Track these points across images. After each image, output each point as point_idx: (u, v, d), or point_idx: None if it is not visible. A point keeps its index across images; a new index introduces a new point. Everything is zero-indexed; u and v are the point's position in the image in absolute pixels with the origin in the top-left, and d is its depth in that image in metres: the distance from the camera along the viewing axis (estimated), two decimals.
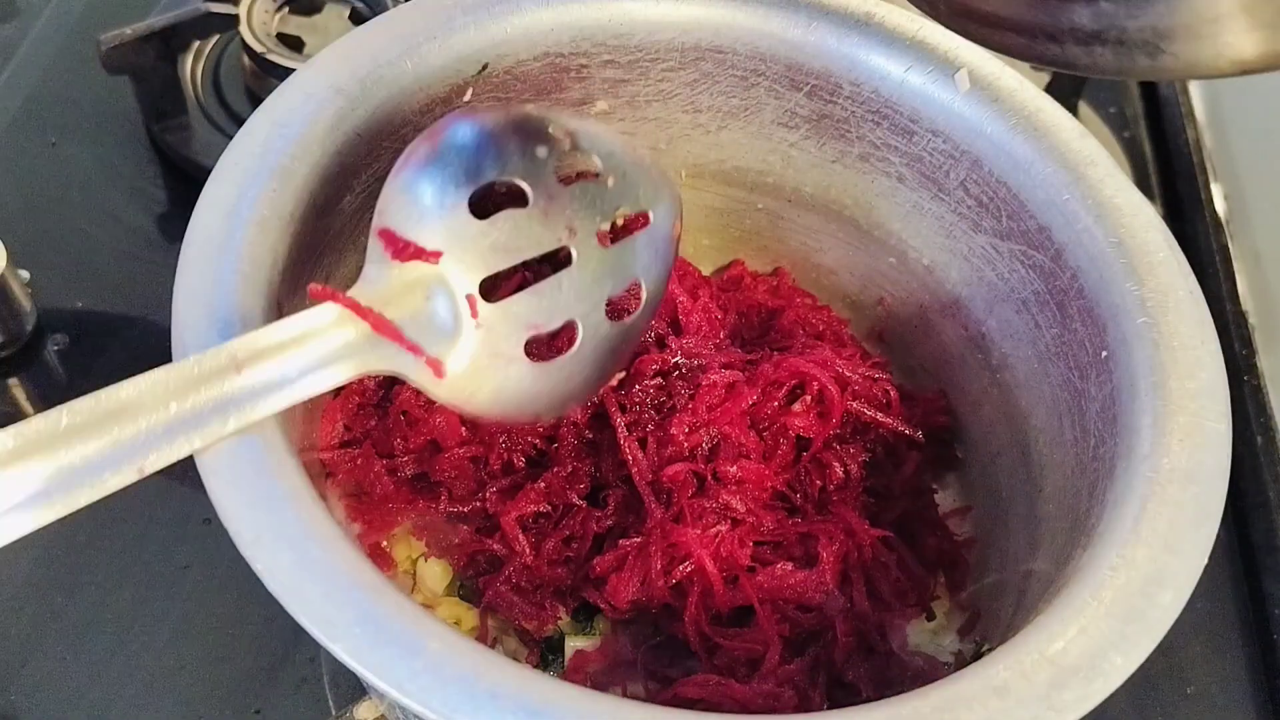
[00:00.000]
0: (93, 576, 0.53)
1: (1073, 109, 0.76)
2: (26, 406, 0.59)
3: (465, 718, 0.31)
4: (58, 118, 0.71)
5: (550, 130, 0.42)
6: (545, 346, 0.44)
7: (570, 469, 0.47)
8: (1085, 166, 0.47)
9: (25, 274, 0.61)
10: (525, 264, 0.43)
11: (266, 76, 0.69)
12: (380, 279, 0.39)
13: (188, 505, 0.55)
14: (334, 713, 0.50)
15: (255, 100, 0.71)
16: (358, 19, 0.73)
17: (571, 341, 0.44)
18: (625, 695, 0.45)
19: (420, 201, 0.40)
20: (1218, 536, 0.37)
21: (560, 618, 0.47)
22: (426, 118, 0.48)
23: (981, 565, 0.52)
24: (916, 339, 0.57)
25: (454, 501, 0.48)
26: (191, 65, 0.73)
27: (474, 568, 0.48)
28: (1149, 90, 0.83)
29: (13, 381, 0.60)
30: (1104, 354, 0.44)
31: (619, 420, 0.47)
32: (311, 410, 0.46)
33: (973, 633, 0.50)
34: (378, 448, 0.48)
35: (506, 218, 0.42)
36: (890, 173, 0.53)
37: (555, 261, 0.44)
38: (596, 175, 0.43)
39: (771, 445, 0.48)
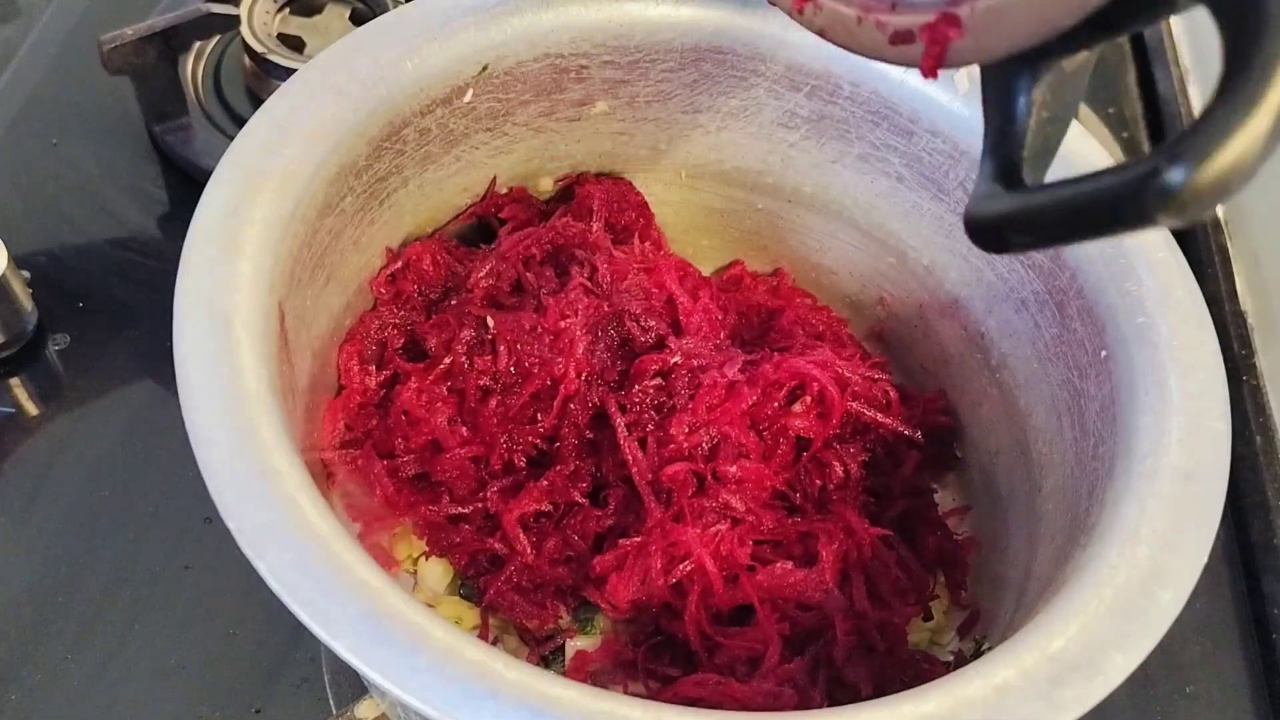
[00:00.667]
0: (93, 576, 0.53)
1: None
2: (28, 406, 0.59)
3: (467, 716, 0.31)
4: (59, 118, 0.71)
5: None
6: None
7: (573, 467, 0.47)
8: (1085, 167, 0.47)
9: (26, 274, 0.61)
10: None
11: (267, 77, 0.69)
12: None
13: (188, 505, 0.55)
14: (335, 712, 0.50)
15: (256, 101, 0.71)
16: (358, 20, 0.73)
17: None
18: (625, 694, 0.46)
19: None
20: (1217, 536, 0.37)
21: (561, 617, 0.47)
22: (427, 118, 0.49)
23: (981, 564, 0.52)
24: (916, 339, 0.57)
25: (455, 502, 0.48)
26: (192, 66, 0.73)
27: (475, 567, 0.48)
28: (1148, 90, 0.83)
29: (14, 381, 0.60)
30: (1103, 353, 0.44)
31: (619, 420, 0.47)
32: (312, 410, 0.46)
33: (973, 631, 0.50)
34: (378, 448, 0.48)
35: None
36: (890, 173, 0.53)
37: None
38: None
39: (771, 445, 0.48)
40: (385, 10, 0.65)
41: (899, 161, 0.52)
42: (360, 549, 0.35)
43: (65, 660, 0.51)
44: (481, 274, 0.51)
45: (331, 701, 0.51)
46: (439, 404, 0.48)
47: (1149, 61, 0.84)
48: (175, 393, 0.36)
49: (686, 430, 0.47)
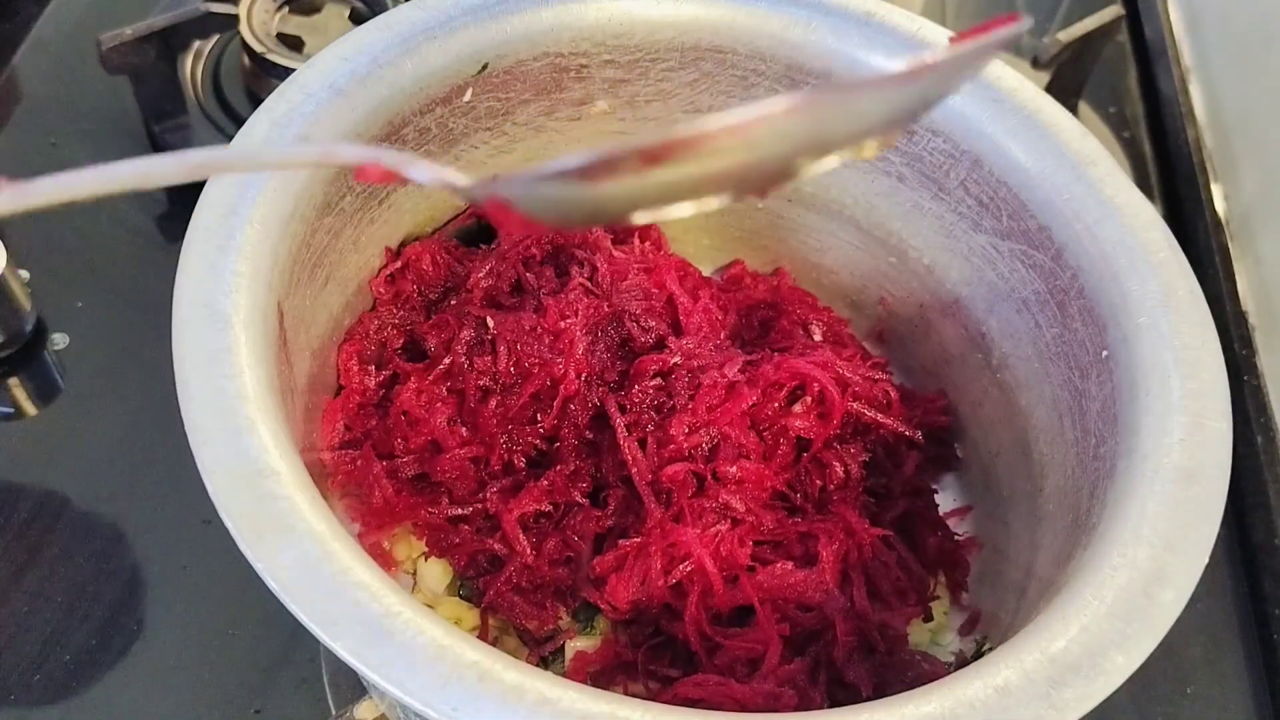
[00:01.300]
0: (93, 577, 0.53)
1: (1073, 109, 0.76)
2: (26, 406, 0.59)
3: (467, 716, 0.31)
4: (57, 118, 0.71)
5: None
6: None
7: (573, 467, 0.47)
8: (1086, 166, 0.47)
9: (25, 274, 0.61)
10: None
11: (266, 76, 0.69)
12: None
13: (187, 505, 0.55)
14: (334, 712, 0.49)
15: (255, 100, 0.71)
16: (358, 19, 0.73)
17: None
18: (625, 695, 0.45)
19: None
20: (1218, 536, 0.37)
21: (561, 617, 0.47)
22: (426, 117, 0.48)
23: (982, 565, 0.52)
24: (917, 339, 0.57)
25: (455, 503, 0.48)
26: (191, 65, 0.73)
27: (474, 567, 0.48)
28: (1149, 90, 0.83)
29: (13, 381, 0.60)
30: (1104, 353, 0.44)
31: (619, 421, 0.47)
32: (311, 410, 0.46)
33: (974, 632, 0.50)
34: (378, 448, 0.48)
35: None
36: (890, 172, 0.53)
37: None
38: None
39: (771, 445, 0.48)
40: (385, 9, 0.65)
41: (899, 160, 0.52)
42: (359, 549, 0.34)
43: (65, 661, 0.51)
44: (481, 274, 0.51)
45: (331, 702, 0.51)
46: (439, 404, 0.48)
47: (1150, 61, 0.84)
48: (174, 393, 0.36)
49: (686, 430, 0.47)
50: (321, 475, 0.47)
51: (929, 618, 0.49)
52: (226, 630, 0.52)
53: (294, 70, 0.46)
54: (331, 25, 0.73)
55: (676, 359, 0.48)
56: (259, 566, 0.33)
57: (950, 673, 0.35)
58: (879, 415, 0.50)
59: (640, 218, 0.27)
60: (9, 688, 0.50)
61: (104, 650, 0.51)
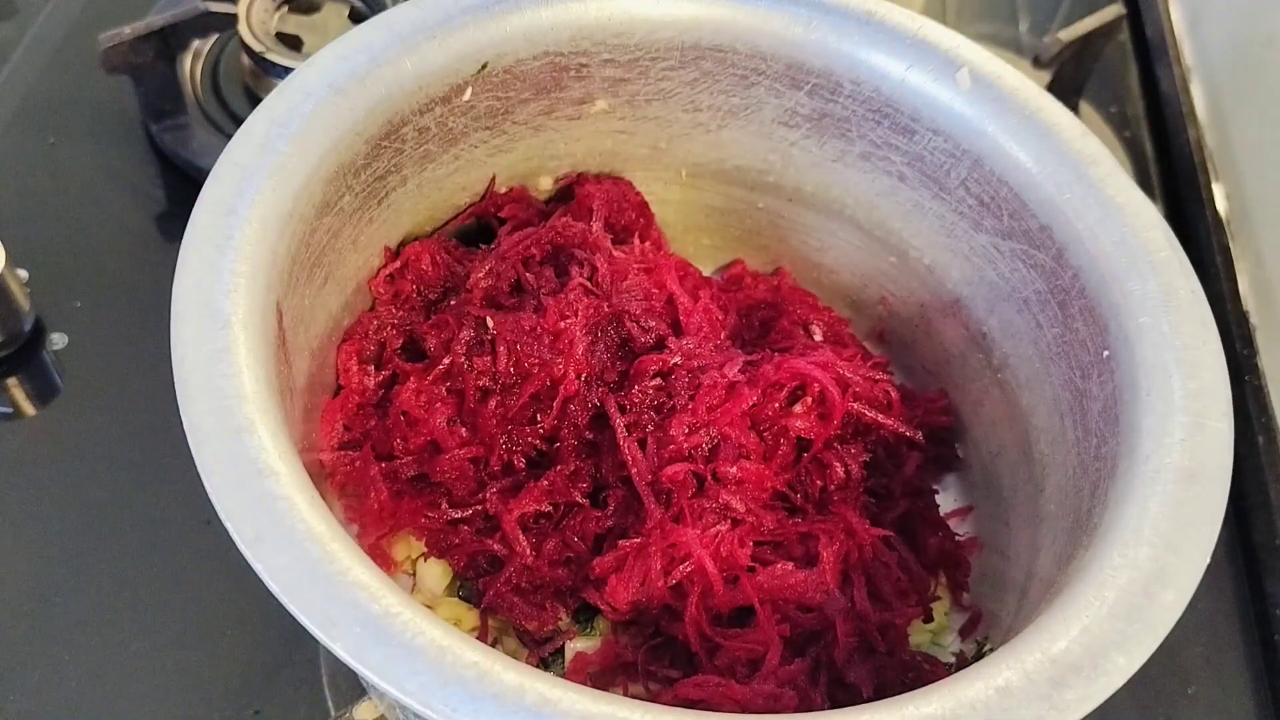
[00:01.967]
0: (93, 577, 0.53)
1: (1074, 108, 0.76)
2: (25, 406, 0.59)
3: (466, 717, 0.31)
4: (56, 117, 0.71)
5: None
6: None
7: (573, 468, 0.47)
8: (1087, 166, 0.47)
9: (24, 273, 0.61)
10: None
11: (265, 76, 0.69)
12: None
13: (188, 505, 0.55)
14: (333, 713, 0.49)
15: (254, 100, 0.70)
16: (357, 18, 0.73)
17: None
18: (625, 696, 0.45)
19: None
20: (1219, 536, 0.37)
21: (560, 618, 0.47)
22: (426, 116, 0.48)
23: (983, 565, 0.52)
24: (918, 338, 0.57)
25: (453, 505, 0.47)
26: (190, 65, 0.73)
27: (474, 568, 0.48)
28: (1150, 90, 0.83)
29: (11, 381, 0.59)
30: (1106, 353, 0.44)
31: (618, 421, 0.47)
32: (310, 410, 0.46)
33: (974, 633, 0.50)
34: (377, 448, 0.48)
35: None
36: (891, 172, 0.53)
37: None
38: None
39: (772, 446, 0.48)
40: (384, 8, 0.65)
41: (900, 160, 0.52)
42: (359, 550, 0.34)
43: (65, 661, 0.51)
44: (481, 274, 0.51)
45: (330, 703, 0.51)
46: (438, 404, 0.48)
47: (1151, 61, 0.84)
48: (173, 393, 0.36)
49: (686, 431, 0.46)
50: (321, 475, 0.47)
51: (930, 618, 0.49)
52: (225, 631, 0.52)
53: (293, 69, 0.46)
54: (331, 24, 0.73)
55: (676, 359, 0.48)
56: (258, 567, 0.33)
57: (951, 673, 0.35)
58: (879, 415, 0.50)
59: None
60: (8, 688, 0.50)
61: (103, 651, 0.51)
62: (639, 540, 0.45)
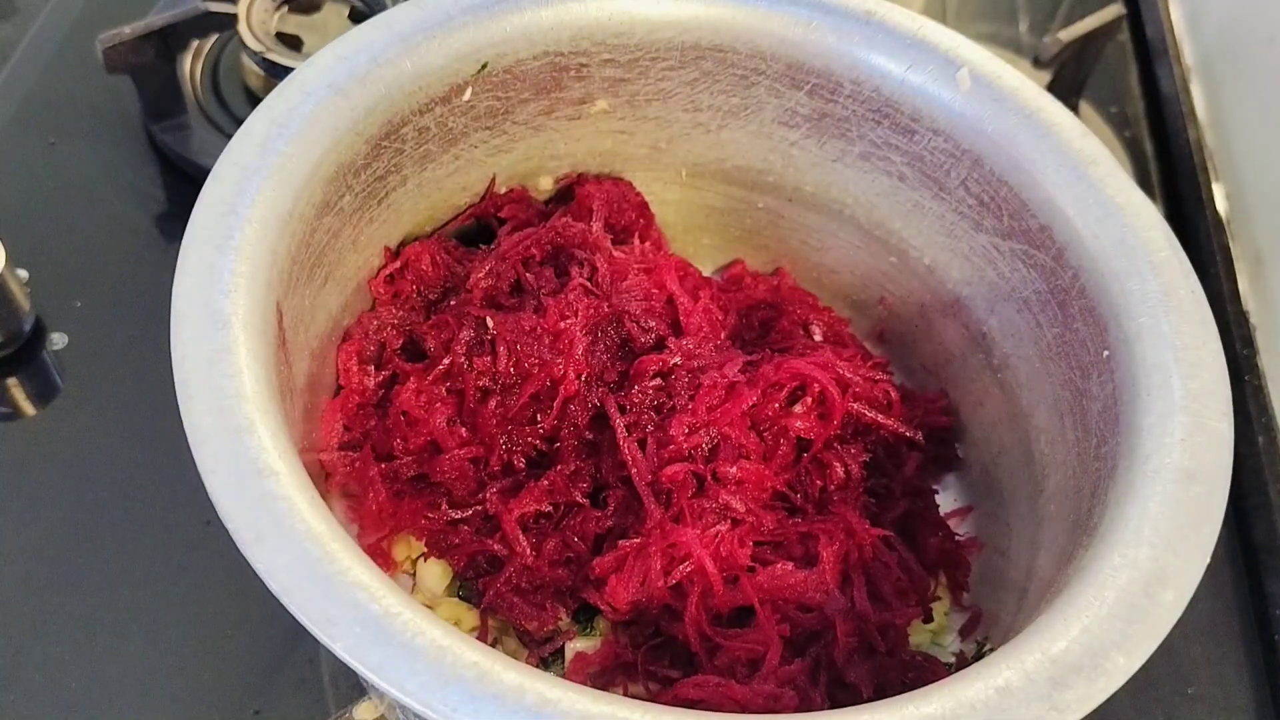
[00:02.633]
0: (92, 577, 0.53)
1: (1074, 108, 0.76)
2: (25, 406, 0.59)
3: (466, 717, 0.31)
4: (56, 117, 0.71)
5: None
6: None
7: (573, 468, 0.47)
8: (1087, 166, 0.47)
9: (24, 273, 0.61)
10: None
11: (265, 76, 0.69)
12: None
13: (187, 505, 0.55)
14: (333, 713, 0.49)
15: (254, 100, 0.70)
16: (357, 18, 0.73)
17: None
18: (625, 696, 0.45)
19: None
20: (1219, 536, 0.37)
21: (560, 618, 0.47)
22: (425, 116, 0.48)
23: (983, 565, 0.52)
24: (918, 339, 0.57)
25: (453, 506, 0.47)
26: (190, 65, 0.73)
27: (474, 568, 0.48)
28: (1150, 89, 0.83)
29: (11, 381, 0.59)
30: (1106, 353, 0.44)
31: (618, 421, 0.47)
32: (310, 410, 0.46)
33: (974, 633, 0.50)
34: (377, 448, 0.48)
35: None
36: (891, 172, 0.53)
37: None
38: None
39: (772, 446, 0.48)
40: (384, 8, 0.65)
41: (900, 160, 0.52)
42: (358, 550, 0.34)
43: (64, 660, 0.51)
44: (481, 274, 0.51)
45: (330, 703, 0.51)
46: (438, 404, 0.48)
47: (1151, 61, 0.84)
48: (173, 393, 0.36)
49: (686, 431, 0.46)
50: (320, 475, 0.47)
51: (929, 618, 0.49)
52: (226, 630, 0.52)
53: (293, 69, 0.46)
54: (331, 24, 0.73)
55: (676, 359, 0.48)
56: (258, 567, 0.33)
57: (951, 673, 0.35)
58: (879, 415, 0.50)
59: None
60: (7, 687, 0.50)
61: (103, 651, 0.51)
62: (639, 540, 0.45)
